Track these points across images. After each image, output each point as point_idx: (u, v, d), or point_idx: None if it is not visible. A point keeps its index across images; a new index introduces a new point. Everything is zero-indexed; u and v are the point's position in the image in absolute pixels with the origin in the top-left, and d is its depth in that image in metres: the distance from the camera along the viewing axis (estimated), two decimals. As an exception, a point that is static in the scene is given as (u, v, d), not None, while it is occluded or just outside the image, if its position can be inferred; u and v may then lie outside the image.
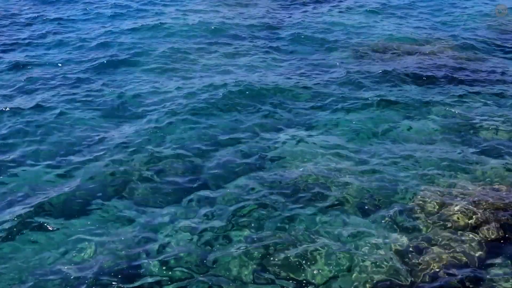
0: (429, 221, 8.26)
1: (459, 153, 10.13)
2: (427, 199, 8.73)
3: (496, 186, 9.14)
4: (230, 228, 8.12)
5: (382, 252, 7.65)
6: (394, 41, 16.14)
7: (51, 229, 8.01)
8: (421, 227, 8.15)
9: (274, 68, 14.10)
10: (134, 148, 10.10)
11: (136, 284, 7.12)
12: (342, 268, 7.40)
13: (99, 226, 8.14)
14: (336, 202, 8.68)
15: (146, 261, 7.49)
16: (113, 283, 7.12)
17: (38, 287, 7.05)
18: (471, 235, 7.95)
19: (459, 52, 15.42)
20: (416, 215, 8.40)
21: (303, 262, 7.45)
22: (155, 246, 7.75)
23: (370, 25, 17.67)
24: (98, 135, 10.65)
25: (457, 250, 7.66)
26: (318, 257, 7.53)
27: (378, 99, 12.19)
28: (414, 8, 19.68)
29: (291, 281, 7.20)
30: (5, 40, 15.69)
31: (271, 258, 7.51)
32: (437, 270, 7.34)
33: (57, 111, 11.48)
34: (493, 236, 7.95)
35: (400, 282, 7.18)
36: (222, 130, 10.90)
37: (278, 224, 8.18)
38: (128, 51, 14.92)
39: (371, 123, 11.23)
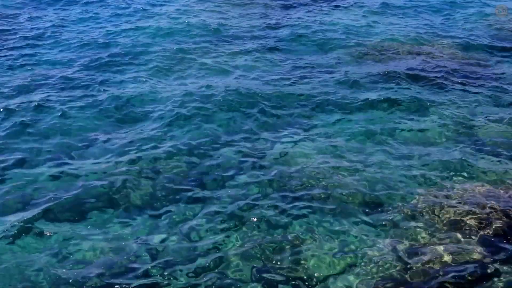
0: (429, 221, 8.26)
1: (460, 153, 10.13)
2: (427, 199, 8.74)
3: (497, 186, 9.14)
4: (231, 228, 8.13)
5: (382, 251, 7.65)
6: (394, 41, 16.14)
7: (50, 231, 7.99)
8: (422, 227, 8.15)
9: (273, 69, 14.10)
10: (133, 149, 10.10)
11: (137, 284, 7.12)
12: (342, 268, 7.41)
13: (99, 227, 8.13)
14: (336, 202, 8.67)
15: (146, 261, 7.49)
16: (113, 284, 7.12)
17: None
18: (471, 235, 7.95)
19: (460, 52, 15.42)
20: (417, 215, 8.40)
21: (302, 262, 7.46)
22: (155, 247, 7.75)
23: (369, 25, 17.66)
24: (97, 136, 10.64)
25: (457, 249, 7.66)
26: (318, 257, 7.54)
27: (378, 99, 12.18)
28: (414, 8, 19.67)
29: (291, 281, 7.20)
30: (5, 41, 15.67)
31: (270, 258, 7.51)
32: (438, 269, 7.33)
33: (56, 112, 11.47)
34: (494, 236, 7.95)
35: (400, 282, 7.18)
36: (221, 131, 10.88)
37: (278, 224, 8.18)
38: (127, 52, 14.90)
39: (371, 123, 11.23)
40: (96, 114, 11.49)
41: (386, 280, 7.19)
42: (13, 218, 8.20)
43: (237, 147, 10.24)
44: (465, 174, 9.49)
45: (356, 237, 7.95)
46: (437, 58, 14.93)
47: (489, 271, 7.34)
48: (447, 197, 8.81)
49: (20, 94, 12.35)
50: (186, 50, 15.07)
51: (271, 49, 15.42)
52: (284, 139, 10.59)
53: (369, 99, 12.24)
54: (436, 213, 8.42)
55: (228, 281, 7.17)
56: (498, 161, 9.90)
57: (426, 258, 7.53)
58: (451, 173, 9.51)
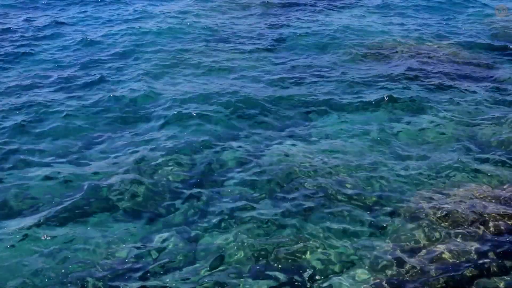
0: (429, 221, 8.26)
1: (459, 154, 10.14)
2: (427, 200, 8.75)
3: (497, 187, 9.14)
4: (231, 229, 8.14)
5: (381, 252, 7.66)
6: (393, 41, 16.12)
7: (50, 233, 7.98)
8: (421, 228, 8.15)
9: (273, 69, 14.07)
10: (132, 150, 10.11)
11: (137, 285, 7.12)
12: (341, 268, 7.42)
13: (99, 229, 8.13)
14: (335, 203, 8.68)
15: (146, 263, 7.50)
16: (113, 286, 7.13)
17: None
18: (471, 236, 7.95)
19: (459, 52, 15.40)
20: (416, 216, 8.40)
21: (302, 262, 7.46)
22: (155, 248, 7.76)
23: (369, 25, 17.64)
24: (96, 137, 10.65)
25: (457, 250, 7.66)
26: (318, 257, 7.57)
27: (377, 100, 12.17)
28: (414, 8, 19.65)
29: (291, 281, 7.20)
30: (3, 41, 15.67)
31: (270, 259, 7.53)
32: (437, 270, 7.34)
33: (55, 112, 11.49)
34: (493, 237, 7.95)
35: (399, 282, 7.18)
36: (220, 132, 10.87)
37: (277, 225, 8.19)
38: (126, 52, 14.89)
39: (370, 124, 11.22)
40: (95, 115, 11.49)
41: (385, 281, 7.20)
42: (12, 221, 8.21)
43: (237, 148, 10.24)
44: (465, 175, 9.49)
45: (356, 237, 7.96)
46: (436, 58, 14.93)
47: (488, 271, 7.34)
48: (446, 197, 8.82)
49: (18, 95, 12.34)
50: (186, 51, 15.07)
51: (271, 50, 15.41)
52: (283, 140, 10.59)
53: (369, 99, 12.23)
54: (435, 214, 8.42)
55: (228, 281, 7.17)
56: (498, 162, 9.90)
57: (425, 258, 7.54)
58: (451, 174, 9.52)
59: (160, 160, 9.71)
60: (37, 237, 7.87)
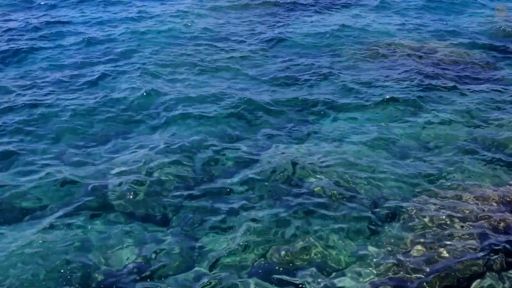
0: (431, 221, 8.28)
1: (459, 154, 10.15)
2: (426, 201, 8.76)
3: (500, 187, 9.16)
4: (231, 230, 8.17)
5: (380, 253, 7.68)
6: (393, 41, 16.12)
7: (51, 235, 7.98)
8: (423, 227, 8.16)
9: (272, 70, 14.01)
10: (132, 152, 10.10)
11: (138, 286, 7.14)
12: (341, 268, 7.43)
13: (98, 231, 8.13)
14: (335, 204, 8.69)
15: (147, 263, 7.51)
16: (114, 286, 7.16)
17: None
18: (473, 235, 7.97)
19: (459, 52, 15.40)
20: (416, 217, 8.40)
21: (302, 262, 7.48)
22: (154, 249, 7.78)
23: (369, 25, 17.62)
24: (95, 139, 10.64)
25: (459, 249, 7.68)
26: (317, 257, 7.59)
27: (377, 101, 12.19)
28: (413, 8, 19.64)
29: (290, 281, 7.21)
30: (5, 41, 15.68)
31: (269, 260, 7.54)
32: (436, 270, 7.35)
33: (55, 114, 11.48)
34: (492, 238, 7.96)
35: (401, 282, 7.19)
36: (220, 134, 10.81)
37: (277, 226, 8.20)
38: (125, 54, 14.84)
39: (370, 125, 11.23)
40: (94, 116, 11.46)
41: (386, 280, 7.21)
42: (12, 222, 8.23)
43: (237, 149, 10.24)
44: (466, 175, 9.50)
45: (356, 237, 7.98)
46: (436, 58, 14.92)
47: (489, 271, 7.36)
48: (447, 198, 8.83)
49: (18, 95, 12.33)
50: (187, 51, 15.05)
51: (271, 50, 15.39)
52: (283, 141, 10.60)
53: (369, 100, 12.24)
54: (436, 214, 8.43)
55: (229, 281, 7.17)
56: (499, 162, 9.91)
57: (426, 258, 7.56)
58: (451, 174, 9.53)
59: (160, 161, 9.71)
60: (37, 238, 7.87)
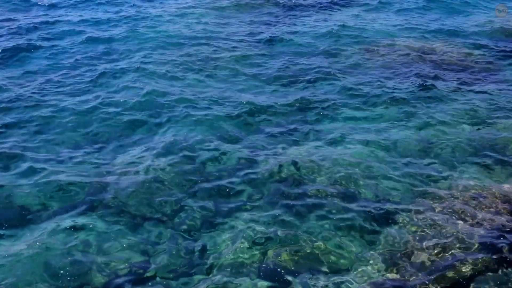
0: (432, 221, 8.29)
1: (459, 155, 10.15)
2: (429, 200, 8.77)
3: (501, 187, 9.17)
4: (233, 230, 8.18)
5: (383, 251, 7.69)
6: (393, 41, 16.12)
7: (52, 238, 7.98)
8: (424, 228, 8.17)
9: (272, 72, 13.98)
10: (131, 154, 10.10)
11: (138, 286, 7.15)
12: (342, 268, 7.46)
13: (97, 233, 8.14)
14: (337, 203, 8.71)
15: (147, 263, 7.52)
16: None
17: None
18: (474, 235, 7.98)
19: (459, 52, 15.41)
20: (419, 216, 8.41)
21: (302, 262, 7.48)
22: (158, 248, 7.79)
23: (369, 26, 17.61)
24: (98, 140, 10.66)
25: (460, 249, 7.69)
26: (319, 256, 7.61)
27: (378, 102, 12.19)
28: (414, 9, 19.63)
29: (292, 281, 7.22)
30: (5, 41, 15.68)
31: (270, 259, 7.54)
32: (440, 268, 7.37)
33: (56, 115, 11.48)
34: (496, 237, 7.97)
35: (401, 282, 7.20)
36: (220, 134, 10.81)
37: (278, 225, 8.21)
38: (125, 55, 14.84)
39: (371, 126, 11.22)
40: (94, 116, 11.46)
41: (386, 280, 7.22)
42: (13, 222, 8.23)
43: (237, 150, 10.24)
44: (466, 176, 9.51)
45: (356, 237, 8.00)
46: (437, 58, 14.93)
47: (489, 271, 7.37)
48: (448, 198, 8.83)
49: (19, 94, 12.33)
50: (186, 53, 15.03)
51: (271, 51, 15.38)
52: (283, 142, 10.60)
53: (369, 101, 12.24)
54: (436, 214, 8.44)
55: (229, 281, 7.19)
56: (498, 163, 9.92)
57: (426, 258, 7.57)
58: (452, 175, 9.54)
59: (160, 162, 9.72)
60: (37, 239, 7.88)
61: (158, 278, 7.29)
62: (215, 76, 13.62)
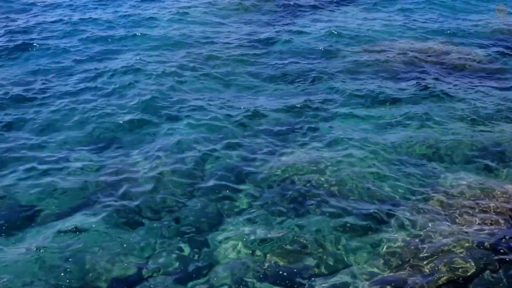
0: (432, 221, 8.29)
1: (462, 154, 10.16)
2: (430, 200, 8.77)
3: (503, 187, 9.18)
4: (234, 230, 8.19)
5: (384, 251, 7.69)
6: (392, 41, 16.12)
7: (53, 240, 7.97)
8: (423, 228, 8.17)
9: (272, 73, 13.95)
10: (131, 157, 10.10)
11: (138, 286, 7.15)
12: (341, 268, 7.47)
13: (101, 232, 8.13)
14: (337, 203, 8.71)
15: (148, 264, 7.51)
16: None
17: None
18: (474, 235, 7.98)
19: (462, 52, 15.41)
20: (419, 216, 8.42)
21: (302, 262, 7.47)
22: (158, 249, 7.80)
23: (369, 26, 17.62)
24: (99, 140, 10.67)
25: (460, 248, 7.69)
26: (317, 258, 7.61)
27: (379, 103, 12.20)
28: (415, 9, 19.61)
29: (292, 281, 7.22)
30: (5, 41, 15.68)
31: (271, 259, 7.55)
32: (440, 268, 7.36)
33: (56, 113, 11.50)
34: (497, 236, 7.97)
35: (401, 281, 7.20)
36: (220, 136, 10.80)
37: (279, 225, 8.23)
38: (124, 57, 14.83)
39: (372, 128, 11.21)
40: (94, 117, 11.46)
41: (386, 280, 7.23)
42: (13, 223, 8.23)
43: (237, 151, 10.24)
44: (466, 177, 9.51)
45: (356, 237, 8.00)
46: (437, 58, 14.93)
47: (489, 271, 7.37)
48: (449, 198, 8.84)
49: (19, 95, 12.33)
50: (185, 53, 15.03)
51: (271, 51, 15.36)
52: (283, 143, 10.59)
53: (370, 102, 12.24)
54: (435, 215, 8.44)
55: (229, 282, 7.20)
56: (498, 164, 9.92)
57: (426, 258, 7.57)
58: (451, 176, 9.54)
59: (161, 162, 9.73)
60: (38, 239, 7.88)
61: (158, 279, 7.30)
62: (215, 76, 13.61)
